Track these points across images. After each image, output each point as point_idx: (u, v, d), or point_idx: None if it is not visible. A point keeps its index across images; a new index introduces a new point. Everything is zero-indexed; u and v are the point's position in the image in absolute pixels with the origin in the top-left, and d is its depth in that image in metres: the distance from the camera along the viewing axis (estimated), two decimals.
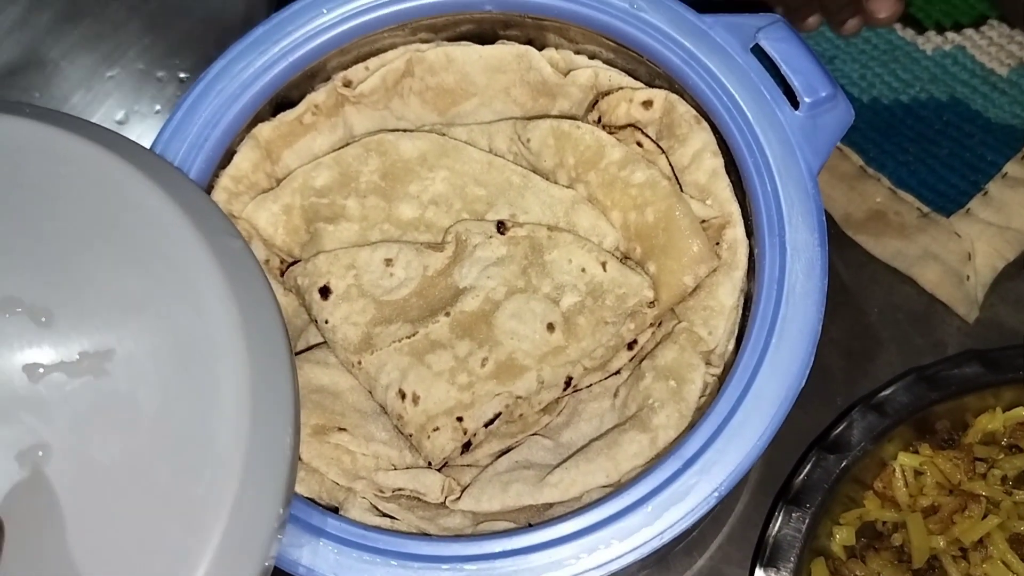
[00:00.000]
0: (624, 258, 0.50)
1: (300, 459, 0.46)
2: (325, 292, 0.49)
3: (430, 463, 0.47)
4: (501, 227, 0.50)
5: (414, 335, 0.48)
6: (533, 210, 0.51)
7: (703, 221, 0.49)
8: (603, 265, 0.48)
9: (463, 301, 0.48)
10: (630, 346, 0.50)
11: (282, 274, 0.52)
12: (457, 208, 0.52)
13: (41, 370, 0.41)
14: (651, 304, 0.49)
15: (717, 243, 0.50)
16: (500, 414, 0.47)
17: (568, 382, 0.49)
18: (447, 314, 0.48)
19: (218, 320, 0.41)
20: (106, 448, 0.40)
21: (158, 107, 0.71)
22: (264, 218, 0.52)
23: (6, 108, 0.46)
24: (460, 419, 0.47)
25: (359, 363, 0.48)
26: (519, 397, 0.48)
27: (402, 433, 0.48)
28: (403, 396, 0.47)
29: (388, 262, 0.50)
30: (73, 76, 0.73)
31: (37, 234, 0.43)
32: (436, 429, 0.47)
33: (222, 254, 0.43)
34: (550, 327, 0.48)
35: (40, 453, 0.40)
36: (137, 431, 0.40)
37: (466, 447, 0.48)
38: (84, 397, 0.40)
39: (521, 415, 0.48)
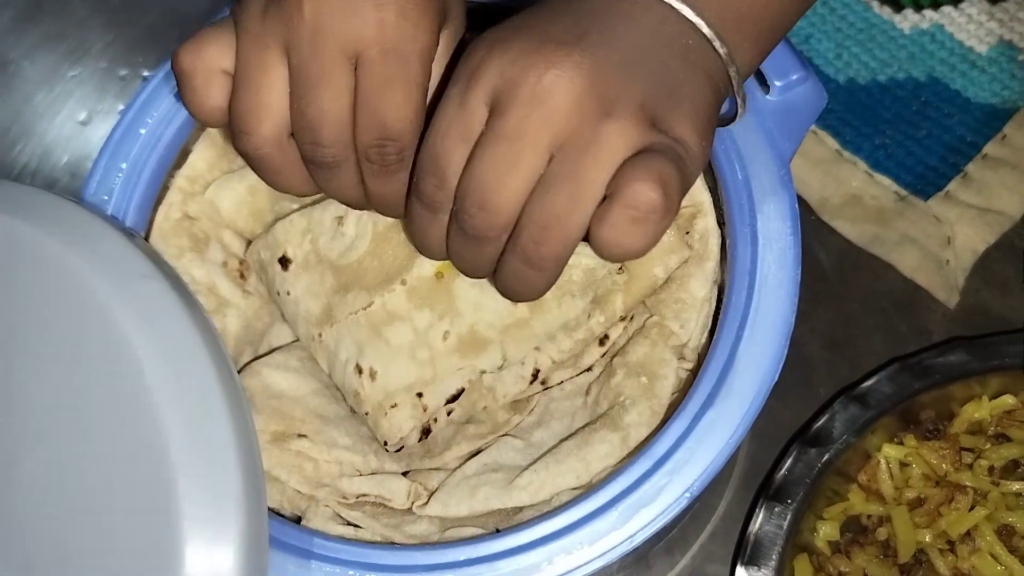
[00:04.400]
0: None
1: None
2: (284, 263, 0.48)
3: (386, 444, 0.45)
4: None
5: (370, 305, 0.46)
6: None
7: None
8: None
9: (419, 265, 0.46)
10: (601, 342, 0.48)
11: (242, 276, 0.51)
12: None
13: None
14: (620, 270, 0.47)
15: (688, 232, 0.48)
16: (463, 390, 0.45)
17: (535, 375, 0.47)
18: (403, 282, 0.46)
19: (133, 400, 0.39)
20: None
21: (121, 106, 0.70)
22: (228, 199, 0.50)
23: None
24: (420, 395, 0.45)
25: (319, 336, 0.47)
26: (483, 371, 0.46)
27: (357, 412, 0.46)
28: (360, 371, 0.45)
29: (339, 220, 0.47)
30: (34, 76, 0.71)
31: None
32: (394, 406, 0.45)
33: (132, 303, 0.41)
34: None
35: None
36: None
37: (426, 434, 0.46)
38: None
39: (485, 407, 0.47)
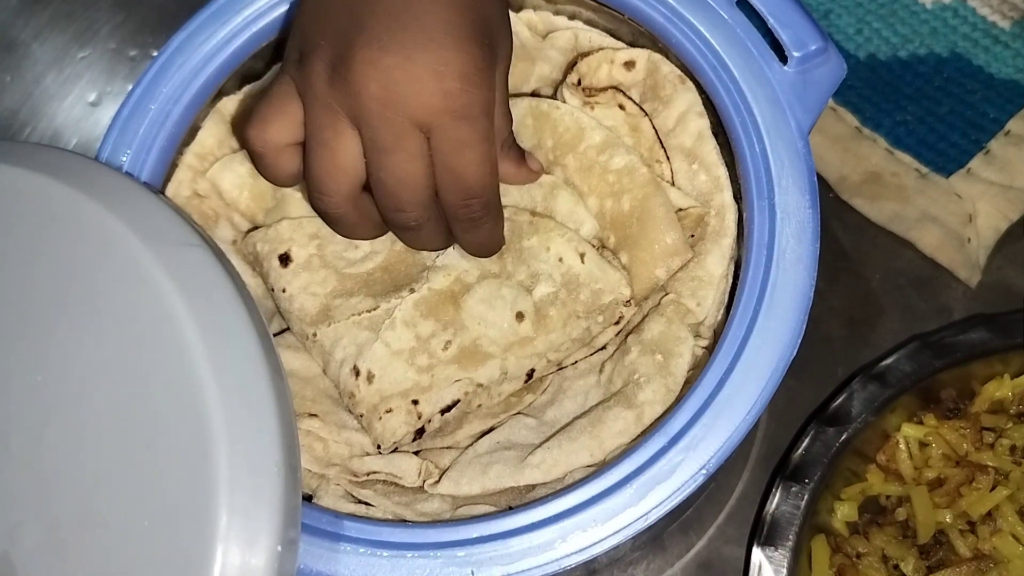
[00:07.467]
0: (600, 247, 0.48)
1: None
2: (285, 260, 0.47)
3: (379, 447, 0.45)
4: None
5: (375, 309, 0.46)
6: (511, 193, 0.48)
7: (680, 210, 0.47)
8: (581, 257, 0.46)
9: (432, 279, 0.46)
10: (616, 321, 0.48)
11: None
12: None
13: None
14: (627, 303, 0.46)
15: (692, 235, 0.47)
16: (459, 401, 0.45)
17: (530, 375, 0.47)
18: (412, 290, 0.46)
19: (177, 365, 0.39)
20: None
21: (131, 87, 0.69)
22: (229, 180, 0.49)
23: None
24: (415, 402, 0.45)
25: (314, 335, 0.46)
26: (480, 385, 0.45)
27: (352, 413, 0.46)
28: (357, 373, 0.45)
29: None
30: (44, 57, 0.71)
31: None
32: (389, 411, 0.45)
33: (177, 271, 0.40)
34: (519, 316, 0.46)
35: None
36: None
37: (419, 433, 0.45)
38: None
39: (479, 405, 0.46)
